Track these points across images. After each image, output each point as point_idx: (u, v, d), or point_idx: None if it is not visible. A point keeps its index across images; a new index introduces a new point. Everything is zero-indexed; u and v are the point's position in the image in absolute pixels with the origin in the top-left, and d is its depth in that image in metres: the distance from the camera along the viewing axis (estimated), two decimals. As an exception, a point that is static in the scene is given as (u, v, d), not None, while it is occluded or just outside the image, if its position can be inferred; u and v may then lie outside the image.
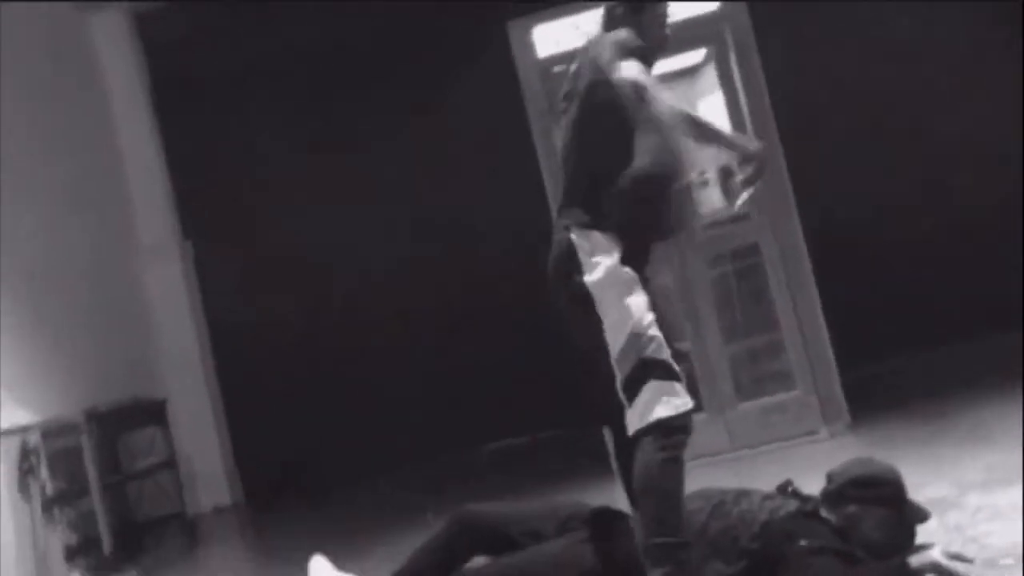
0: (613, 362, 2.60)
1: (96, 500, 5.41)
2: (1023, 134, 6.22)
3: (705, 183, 5.21)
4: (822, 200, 5.28)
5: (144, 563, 5.49)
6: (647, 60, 2.74)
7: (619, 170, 2.70)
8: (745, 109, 4.96)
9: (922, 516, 2.75)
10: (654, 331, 2.59)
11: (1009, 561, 2.48)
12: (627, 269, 2.65)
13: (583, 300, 2.65)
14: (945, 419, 4.50)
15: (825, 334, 4.73)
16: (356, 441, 7.20)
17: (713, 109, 5.25)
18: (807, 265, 4.75)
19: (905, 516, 2.72)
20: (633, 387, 2.56)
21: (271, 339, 7.36)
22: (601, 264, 2.64)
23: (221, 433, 7.28)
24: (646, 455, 2.53)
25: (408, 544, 4.64)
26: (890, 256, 6.43)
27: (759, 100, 4.95)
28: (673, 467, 2.53)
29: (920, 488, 3.32)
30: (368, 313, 7.27)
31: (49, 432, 4.50)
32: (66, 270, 6.19)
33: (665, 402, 2.52)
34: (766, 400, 4.71)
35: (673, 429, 2.52)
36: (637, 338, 2.57)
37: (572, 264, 2.68)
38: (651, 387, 2.53)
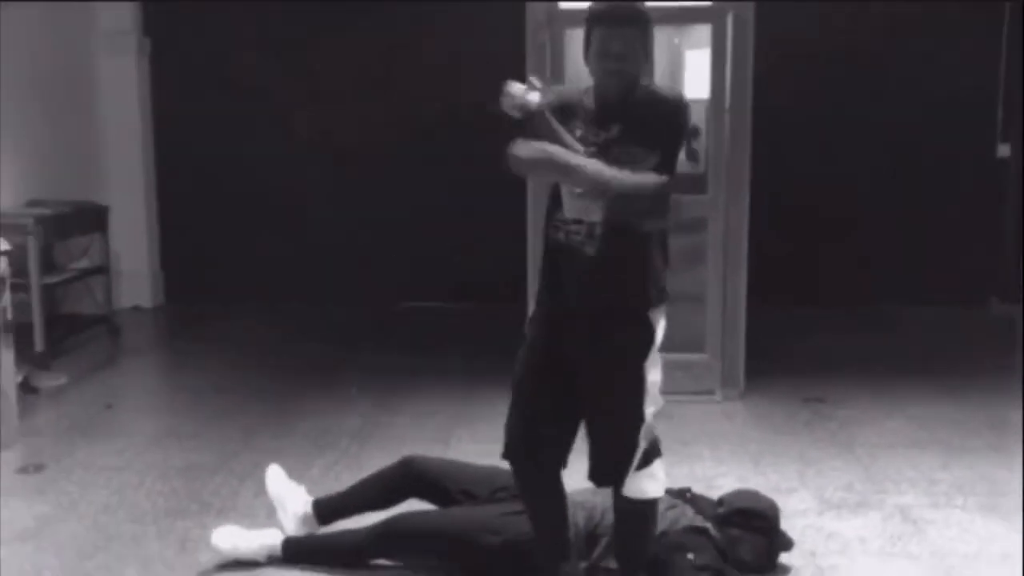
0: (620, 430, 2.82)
1: (35, 301, 5.61)
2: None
3: None
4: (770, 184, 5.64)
5: (70, 365, 5.77)
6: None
7: None
8: (728, 77, 5.14)
9: (787, 546, 3.36)
10: (651, 416, 2.84)
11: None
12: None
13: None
14: (822, 410, 5.11)
15: (744, 308, 5.19)
16: (280, 267, 7.44)
17: (698, 65, 5.45)
18: (744, 246, 5.14)
19: (774, 545, 3.32)
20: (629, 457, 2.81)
21: (214, 149, 7.38)
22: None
23: (152, 235, 7.41)
24: (627, 508, 2.89)
25: (328, 406, 5.10)
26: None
27: (743, 72, 5.13)
28: (646, 533, 2.96)
29: (789, 495, 3.94)
30: (317, 139, 7.32)
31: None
32: (23, 54, 6.06)
33: (652, 482, 2.86)
34: (675, 356, 5.17)
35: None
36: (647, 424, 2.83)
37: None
38: (642, 473, 2.83)
